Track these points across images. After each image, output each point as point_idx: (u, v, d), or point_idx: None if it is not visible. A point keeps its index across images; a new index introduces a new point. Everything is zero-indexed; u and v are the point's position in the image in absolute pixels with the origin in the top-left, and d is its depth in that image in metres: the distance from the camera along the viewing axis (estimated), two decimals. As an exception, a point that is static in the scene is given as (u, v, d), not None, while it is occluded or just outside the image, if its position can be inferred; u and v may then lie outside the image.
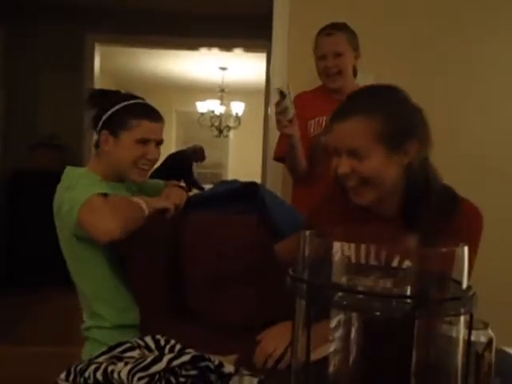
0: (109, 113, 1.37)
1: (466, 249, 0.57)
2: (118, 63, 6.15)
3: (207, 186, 4.61)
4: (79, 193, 1.25)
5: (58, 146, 4.21)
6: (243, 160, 7.30)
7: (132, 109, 1.37)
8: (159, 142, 1.42)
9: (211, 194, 1.52)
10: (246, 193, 1.47)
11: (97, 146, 1.41)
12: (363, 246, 1.12)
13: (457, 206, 1.07)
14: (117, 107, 1.37)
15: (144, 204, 1.28)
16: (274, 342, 1.06)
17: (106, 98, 1.42)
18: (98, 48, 4.41)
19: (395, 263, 1.13)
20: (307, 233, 0.63)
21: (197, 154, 5.82)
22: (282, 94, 1.60)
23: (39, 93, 4.33)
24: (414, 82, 1.62)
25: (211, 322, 1.28)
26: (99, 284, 1.35)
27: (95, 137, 1.42)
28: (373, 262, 1.18)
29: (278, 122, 1.65)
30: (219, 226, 1.37)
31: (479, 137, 2.34)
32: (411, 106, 1.05)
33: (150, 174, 1.47)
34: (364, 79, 2.16)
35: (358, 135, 1.00)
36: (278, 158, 2.04)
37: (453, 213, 1.06)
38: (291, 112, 1.64)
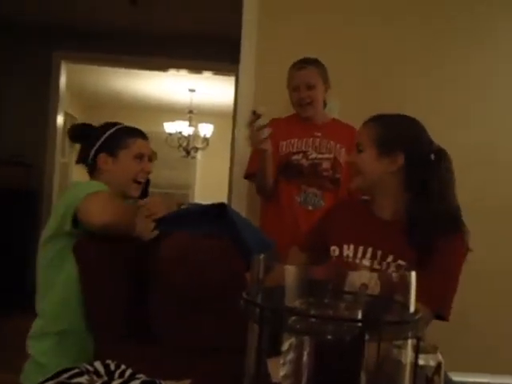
0: (104, 137, 1.53)
1: (413, 274, 0.58)
2: (85, 81, 6.09)
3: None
4: (82, 190, 1.35)
5: (22, 164, 4.10)
6: (210, 181, 7.29)
7: (126, 130, 1.58)
8: (150, 158, 1.61)
9: (184, 212, 1.58)
10: (215, 213, 1.49)
11: (91, 172, 1.56)
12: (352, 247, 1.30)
13: (457, 228, 1.25)
14: (111, 130, 1.55)
15: (138, 226, 1.38)
16: (159, 206, 1.40)
17: (93, 130, 1.58)
18: (64, 65, 4.37)
19: (390, 259, 1.22)
20: (261, 257, 0.64)
21: None
22: (255, 114, 1.78)
23: (2, 109, 4.23)
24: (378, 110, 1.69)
25: (173, 345, 1.26)
26: (58, 286, 1.37)
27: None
28: (366, 262, 1.26)
29: (255, 139, 1.79)
30: (193, 250, 1.37)
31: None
32: (411, 131, 1.32)
33: None
34: (330, 106, 2.23)
35: (363, 135, 1.34)
36: (248, 175, 2.12)
37: (450, 232, 1.23)
38: (266, 131, 1.79)
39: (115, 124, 1.59)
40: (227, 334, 1.23)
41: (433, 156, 1.29)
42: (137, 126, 1.63)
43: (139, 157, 1.54)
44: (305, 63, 2.04)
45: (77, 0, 3.72)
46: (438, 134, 1.36)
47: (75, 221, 1.31)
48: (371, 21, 2.46)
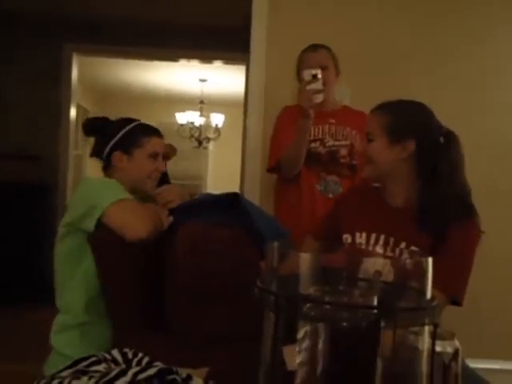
0: (119, 135, 1.52)
1: (430, 260, 0.58)
2: (96, 74, 6.11)
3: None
4: (108, 193, 1.35)
5: (30, 157, 4.12)
6: (222, 171, 7.30)
7: (142, 128, 1.56)
8: (166, 155, 1.66)
9: (197, 202, 1.58)
10: (228, 203, 1.49)
11: (105, 168, 1.56)
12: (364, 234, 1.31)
13: (469, 212, 1.26)
14: (127, 128, 1.54)
15: (164, 219, 1.41)
16: (174, 194, 1.48)
17: (108, 124, 1.58)
18: (75, 58, 4.38)
19: (403, 246, 1.22)
20: (275, 244, 0.64)
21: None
22: (315, 77, 1.77)
23: (13, 103, 4.26)
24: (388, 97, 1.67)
25: (189, 334, 1.27)
26: (77, 279, 1.38)
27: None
28: (379, 249, 1.26)
29: (307, 100, 1.76)
30: (208, 240, 1.38)
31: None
32: (420, 117, 1.32)
33: None
34: (341, 93, 2.21)
35: (373, 123, 1.34)
36: (272, 168, 2.06)
37: (463, 218, 1.24)
38: (321, 96, 1.79)
39: (131, 121, 1.58)
40: (241, 323, 1.23)
41: (442, 139, 1.29)
42: (150, 123, 1.63)
43: (154, 155, 1.55)
44: (318, 46, 2.03)
45: (86, -8, 3.73)
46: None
47: (97, 223, 1.31)
48: (382, 8, 2.42)
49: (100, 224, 1.31)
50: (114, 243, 1.25)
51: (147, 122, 1.62)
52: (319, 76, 1.78)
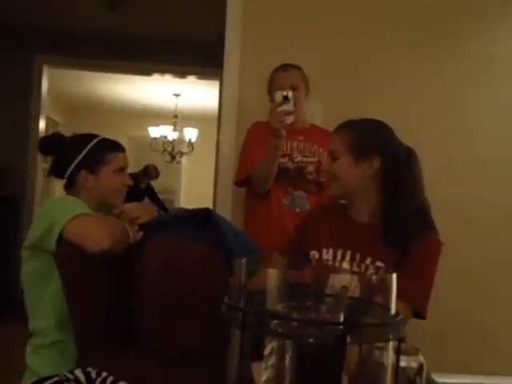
0: (83, 154, 1.48)
1: (394, 276, 0.59)
2: (68, 86, 6.03)
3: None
4: (67, 209, 1.32)
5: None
6: (196, 186, 7.27)
7: (105, 145, 1.52)
8: (152, 176, 1.54)
9: (168, 217, 1.58)
10: (200, 218, 1.48)
11: (68, 187, 1.50)
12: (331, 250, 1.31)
13: (430, 226, 1.29)
14: (89, 146, 1.49)
15: (131, 232, 1.38)
16: (140, 211, 1.45)
17: (65, 142, 1.53)
18: (46, 70, 4.32)
19: (368, 261, 1.23)
20: (243, 261, 0.64)
21: (148, 172, 5.81)
22: (287, 98, 1.80)
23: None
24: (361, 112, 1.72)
25: (160, 351, 1.25)
26: (46, 300, 1.35)
27: (44, 165, 1.51)
28: (345, 265, 1.27)
29: (278, 122, 1.78)
30: (178, 255, 1.36)
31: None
32: (384, 134, 1.35)
33: None
34: (311, 110, 2.25)
35: (337, 142, 1.35)
36: (240, 182, 2.08)
37: (424, 231, 1.27)
38: (292, 117, 1.82)
39: (91, 137, 1.53)
40: (211, 340, 1.22)
41: (404, 155, 1.32)
42: (110, 137, 1.58)
43: (119, 170, 1.52)
44: (289, 66, 2.07)
45: (59, 4, 3.69)
46: (410, 136, 1.39)
47: (58, 240, 1.28)
48: (355, 29, 2.48)
49: (61, 241, 1.28)
50: (78, 258, 1.23)
51: (107, 137, 1.58)
52: (290, 97, 1.81)
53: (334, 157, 1.34)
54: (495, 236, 2.46)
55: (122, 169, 1.53)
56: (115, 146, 1.54)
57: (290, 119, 1.82)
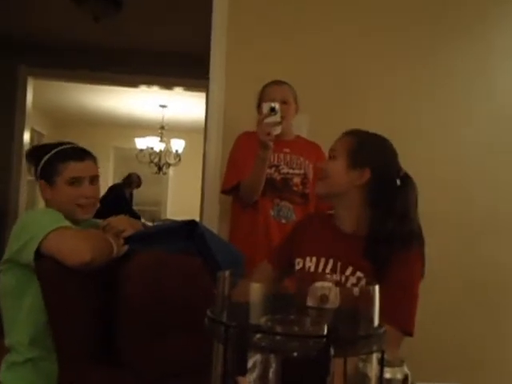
0: (41, 164, 1.46)
1: (377, 288, 0.59)
2: (54, 98, 6.00)
3: (147, 223, 4.54)
4: (45, 223, 1.29)
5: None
6: (183, 197, 7.24)
7: (58, 155, 1.47)
8: (93, 179, 1.49)
9: (153, 230, 1.57)
10: (186, 230, 1.47)
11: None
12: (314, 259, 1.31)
13: (415, 244, 1.28)
14: (46, 157, 1.46)
15: (114, 244, 1.34)
16: (125, 224, 1.44)
17: (38, 151, 1.51)
18: (31, 81, 4.29)
19: (349, 271, 1.23)
20: (226, 273, 0.63)
21: (130, 181, 5.84)
22: (274, 110, 1.81)
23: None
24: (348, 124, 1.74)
25: (142, 367, 1.23)
26: (21, 315, 1.33)
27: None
28: (328, 273, 1.27)
29: (265, 134, 1.79)
30: (159, 270, 1.34)
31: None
32: (383, 152, 1.36)
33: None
34: (299, 121, 2.26)
35: (339, 143, 1.38)
36: (226, 190, 2.08)
37: (408, 249, 1.26)
38: (278, 128, 1.84)
39: (56, 146, 1.49)
40: (197, 354, 1.20)
41: (398, 181, 1.32)
42: (80, 146, 1.53)
43: (74, 181, 1.44)
44: (280, 81, 2.10)
45: (44, 15, 3.68)
46: (396, 146, 1.39)
47: (36, 253, 1.26)
48: (342, 42, 2.51)
49: (39, 255, 1.25)
50: (59, 271, 1.20)
51: (76, 145, 1.53)
52: (277, 108, 1.83)
53: (331, 155, 1.36)
54: (479, 248, 2.49)
55: (78, 179, 1.44)
56: (67, 156, 1.46)
57: (277, 130, 1.83)
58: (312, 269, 1.33)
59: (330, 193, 1.36)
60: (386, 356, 0.60)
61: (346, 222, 1.36)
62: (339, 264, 1.31)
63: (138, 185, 6.04)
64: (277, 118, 1.83)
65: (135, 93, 5.43)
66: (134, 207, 6.15)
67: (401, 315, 1.20)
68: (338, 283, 1.23)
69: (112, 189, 5.65)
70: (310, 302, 0.61)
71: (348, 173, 1.32)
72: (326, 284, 0.64)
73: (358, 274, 1.28)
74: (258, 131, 1.83)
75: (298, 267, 1.37)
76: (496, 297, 2.48)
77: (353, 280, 1.27)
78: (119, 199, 5.50)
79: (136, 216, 5.31)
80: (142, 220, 5.16)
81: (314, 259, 1.34)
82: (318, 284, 0.63)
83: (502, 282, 2.49)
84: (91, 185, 1.47)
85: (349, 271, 1.29)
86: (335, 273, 1.30)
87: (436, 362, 2.34)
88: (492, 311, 2.48)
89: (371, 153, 1.34)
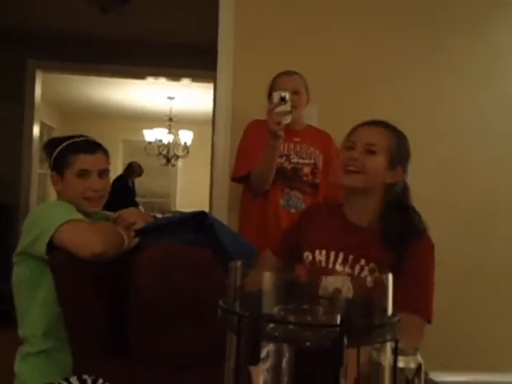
0: (53, 155, 1.48)
1: (390, 276, 0.58)
2: (63, 91, 6.02)
3: (157, 215, 4.57)
4: (57, 216, 1.30)
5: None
6: (191, 189, 7.25)
7: (69, 147, 1.48)
8: (103, 172, 1.50)
9: (163, 222, 1.56)
10: (196, 222, 1.48)
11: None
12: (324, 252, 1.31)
13: (423, 227, 1.31)
14: (58, 149, 1.48)
15: (126, 236, 1.35)
16: (136, 216, 1.45)
17: (52, 143, 1.53)
18: (39, 74, 4.30)
19: (362, 263, 1.25)
20: (238, 263, 0.63)
21: (131, 170, 5.87)
22: (284, 99, 1.79)
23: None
24: (357, 113, 1.72)
25: (154, 358, 1.24)
26: (34, 307, 1.35)
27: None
28: (338, 266, 1.27)
29: (278, 123, 1.78)
30: (170, 262, 1.35)
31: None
32: (408, 145, 1.37)
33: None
34: (309, 110, 2.25)
35: (379, 137, 1.33)
36: (238, 178, 2.08)
37: (420, 232, 1.30)
38: (288, 117, 1.82)
39: (69, 138, 1.51)
40: (208, 346, 1.21)
41: None
42: (93, 139, 1.54)
43: (82, 174, 1.45)
44: (292, 72, 2.09)
45: (52, 8, 3.68)
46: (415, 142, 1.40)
47: (49, 245, 1.28)
48: (350, 31, 2.48)
49: (52, 248, 1.26)
50: (72, 263, 1.21)
51: (89, 138, 1.54)
52: (287, 98, 1.81)
53: (371, 150, 1.31)
54: (483, 235, 2.47)
55: (87, 172, 1.45)
56: (79, 148, 1.47)
57: (287, 119, 1.82)
58: (323, 262, 1.32)
59: (365, 187, 1.32)
60: (399, 345, 0.60)
61: (360, 215, 1.35)
62: (351, 257, 1.30)
63: (140, 173, 6.07)
64: (287, 107, 1.81)
65: (143, 85, 5.43)
66: (142, 199, 6.19)
67: (421, 303, 1.22)
68: (350, 275, 1.23)
69: (116, 180, 5.68)
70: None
71: (386, 171, 1.32)
72: (339, 277, 0.63)
73: (372, 265, 1.28)
74: (268, 120, 1.82)
75: (307, 261, 1.35)
76: (504, 283, 2.47)
77: (366, 272, 1.27)
78: (124, 190, 5.53)
79: (136, 206, 5.34)
80: (152, 213, 5.19)
81: (324, 252, 1.34)
82: (331, 278, 0.63)
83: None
84: (100, 178, 1.48)
85: (361, 264, 1.29)
86: (346, 265, 1.30)
87: (447, 350, 2.34)
88: (499, 298, 2.46)
89: (405, 152, 1.35)
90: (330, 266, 1.31)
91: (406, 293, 1.11)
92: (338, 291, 0.59)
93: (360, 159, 1.30)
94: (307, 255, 1.36)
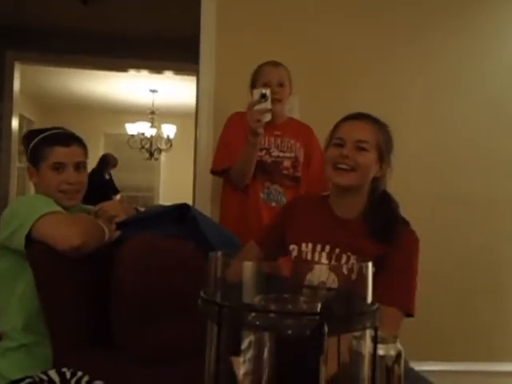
0: (29, 148, 1.46)
1: (370, 265, 0.59)
2: (43, 83, 5.91)
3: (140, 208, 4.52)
4: (35, 209, 1.29)
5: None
6: (175, 183, 7.21)
7: (45, 139, 1.46)
8: (79, 165, 1.47)
9: (146, 215, 1.54)
10: (179, 214, 1.47)
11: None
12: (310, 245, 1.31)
13: (407, 224, 1.34)
14: (34, 141, 1.46)
15: (106, 228, 1.34)
16: (117, 209, 1.45)
17: (30, 136, 1.51)
18: (18, 66, 4.22)
19: (349, 255, 1.27)
20: (219, 253, 0.63)
21: (106, 162, 5.81)
22: (265, 97, 1.77)
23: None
24: (339, 105, 1.72)
25: (137, 350, 1.23)
26: (14, 301, 1.33)
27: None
28: (323, 259, 1.28)
29: (258, 120, 1.77)
30: (157, 252, 1.34)
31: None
32: (392, 137, 1.37)
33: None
34: (290, 103, 2.24)
35: (368, 133, 1.32)
36: (218, 171, 2.06)
37: (404, 223, 1.33)
38: (268, 115, 1.80)
39: (46, 131, 1.49)
40: (191, 337, 1.21)
41: None
42: (67, 131, 1.52)
43: (57, 167, 1.43)
44: (277, 63, 2.07)
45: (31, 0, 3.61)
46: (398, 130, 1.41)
47: (27, 239, 1.26)
48: (331, 22, 2.49)
49: (31, 241, 1.25)
50: (51, 256, 1.20)
51: (66, 130, 1.52)
52: (268, 95, 1.80)
53: (362, 147, 1.30)
54: (467, 228, 2.51)
55: (62, 165, 1.43)
56: (54, 140, 1.45)
57: (267, 117, 1.81)
58: (309, 255, 1.33)
59: (358, 184, 1.33)
60: (379, 333, 0.60)
61: (348, 209, 1.35)
62: (337, 250, 1.31)
63: (115, 165, 5.99)
64: (267, 104, 1.79)
65: (125, 77, 5.37)
66: (126, 193, 6.12)
67: (401, 296, 1.23)
68: (333, 266, 1.24)
69: (91, 174, 5.62)
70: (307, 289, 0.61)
71: (374, 166, 1.33)
72: (324, 271, 0.64)
73: (358, 258, 1.29)
74: (247, 117, 1.81)
75: (293, 253, 1.35)
76: (489, 275, 2.52)
77: (353, 262, 1.27)
78: (101, 183, 5.47)
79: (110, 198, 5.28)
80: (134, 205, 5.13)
81: (310, 245, 1.34)
82: (316, 271, 0.64)
83: (495, 261, 2.53)
84: (76, 171, 1.46)
85: (347, 256, 1.30)
86: (332, 258, 1.31)
87: (431, 339, 2.38)
88: (487, 290, 2.51)
89: (391, 146, 1.36)
90: (316, 258, 1.31)
91: (387, 285, 1.13)
92: (323, 284, 0.59)
93: (351, 157, 1.29)
94: (293, 248, 1.36)
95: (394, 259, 1.24)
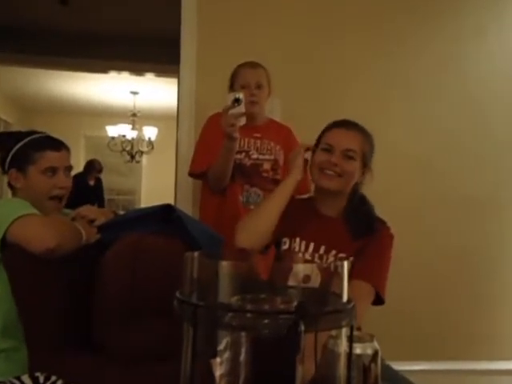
0: (13, 151, 1.42)
1: (346, 263, 0.59)
2: (21, 85, 5.82)
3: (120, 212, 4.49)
4: (10, 211, 1.26)
5: None
6: (157, 185, 7.16)
7: (34, 142, 1.44)
8: (67, 169, 1.47)
9: (125, 217, 1.53)
10: (161, 215, 1.45)
11: (10, 185, 1.46)
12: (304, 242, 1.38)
13: (381, 220, 1.43)
14: (19, 144, 1.43)
15: (83, 230, 1.32)
16: (95, 213, 1.44)
17: (8, 138, 1.48)
18: (-5, 68, 4.15)
19: (333, 253, 1.34)
20: (195, 253, 0.62)
21: (92, 168, 5.78)
22: (238, 101, 1.75)
23: None
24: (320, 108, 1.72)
25: (118, 352, 1.21)
26: None
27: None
28: (308, 256, 1.31)
29: (232, 125, 1.75)
30: (142, 250, 1.32)
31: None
32: (374, 144, 1.45)
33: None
34: (271, 105, 2.25)
35: (356, 142, 1.40)
36: (197, 174, 2.05)
37: (381, 222, 1.42)
38: (243, 119, 1.79)
39: (29, 134, 1.46)
40: (174, 338, 1.19)
41: None
42: (55, 136, 1.50)
43: (49, 171, 1.42)
44: (255, 64, 2.06)
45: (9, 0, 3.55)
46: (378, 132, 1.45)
47: (2, 242, 1.23)
48: (313, 25, 2.50)
49: (6, 245, 1.22)
50: (25, 260, 1.17)
51: (50, 135, 1.50)
52: (242, 99, 1.77)
53: (349, 155, 1.39)
54: (449, 226, 2.54)
55: (54, 169, 1.43)
56: (45, 144, 1.44)
57: (241, 121, 1.79)
58: (297, 249, 1.40)
59: (343, 190, 1.42)
60: (355, 332, 0.61)
61: (331, 209, 1.44)
62: (322, 247, 1.38)
63: (100, 170, 5.97)
64: (241, 108, 1.76)
65: (105, 79, 5.32)
66: (107, 196, 6.05)
67: (374, 274, 1.33)
68: (318, 264, 1.27)
69: (75, 178, 5.57)
70: (292, 283, 0.62)
71: (358, 173, 1.42)
72: (308, 265, 0.65)
73: (341, 255, 1.37)
74: (222, 122, 1.79)
75: (284, 247, 1.42)
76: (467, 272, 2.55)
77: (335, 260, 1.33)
78: (84, 188, 5.43)
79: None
80: (113, 209, 5.09)
81: (298, 240, 1.41)
82: (301, 265, 0.64)
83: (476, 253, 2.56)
84: (65, 175, 1.46)
85: (332, 253, 1.37)
86: (316, 255, 1.38)
87: (409, 338, 2.40)
88: (466, 285, 2.54)
89: (372, 154, 1.45)
90: (301, 255, 1.36)
91: (361, 266, 1.27)
92: (307, 278, 0.60)
93: (339, 165, 1.38)
94: (285, 241, 1.43)
95: (369, 248, 1.35)
